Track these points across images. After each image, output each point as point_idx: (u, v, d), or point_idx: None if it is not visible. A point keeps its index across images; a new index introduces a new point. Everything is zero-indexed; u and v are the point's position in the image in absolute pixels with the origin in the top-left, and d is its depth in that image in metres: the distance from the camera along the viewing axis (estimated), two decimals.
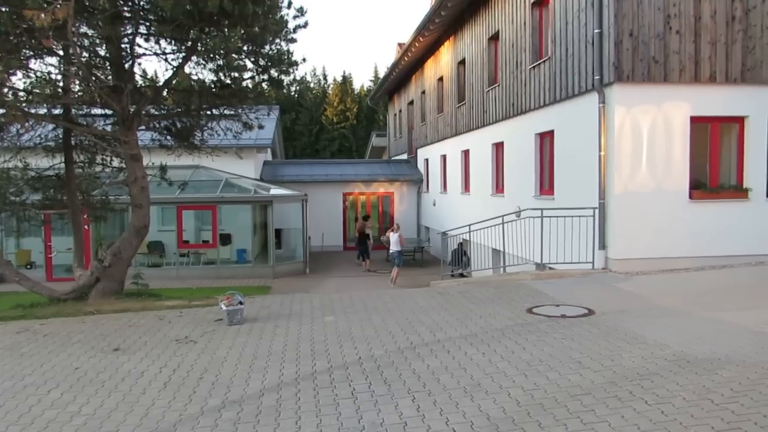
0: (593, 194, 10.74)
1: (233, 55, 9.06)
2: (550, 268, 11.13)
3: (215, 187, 20.38)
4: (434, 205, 24.10)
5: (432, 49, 22.67)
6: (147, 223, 10.59)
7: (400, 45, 28.48)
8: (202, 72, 10.00)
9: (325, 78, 71.95)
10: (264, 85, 10.85)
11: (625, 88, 10.21)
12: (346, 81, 70.49)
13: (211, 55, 9.41)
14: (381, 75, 47.36)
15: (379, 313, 8.19)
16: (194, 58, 9.76)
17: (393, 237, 17.65)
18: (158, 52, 9.91)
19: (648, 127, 10.31)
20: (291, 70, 9.98)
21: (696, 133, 10.58)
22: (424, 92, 25.00)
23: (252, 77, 10.32)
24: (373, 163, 30.49)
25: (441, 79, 22.05)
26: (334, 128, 64.95)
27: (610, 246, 10.48)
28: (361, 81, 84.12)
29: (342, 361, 5.96)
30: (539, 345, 6.19)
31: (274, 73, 10.06)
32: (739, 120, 10.70)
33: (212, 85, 10.53)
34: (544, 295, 8.89)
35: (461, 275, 18.13)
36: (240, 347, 6.67)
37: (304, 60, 9.95)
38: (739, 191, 10.67)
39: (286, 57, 9.70)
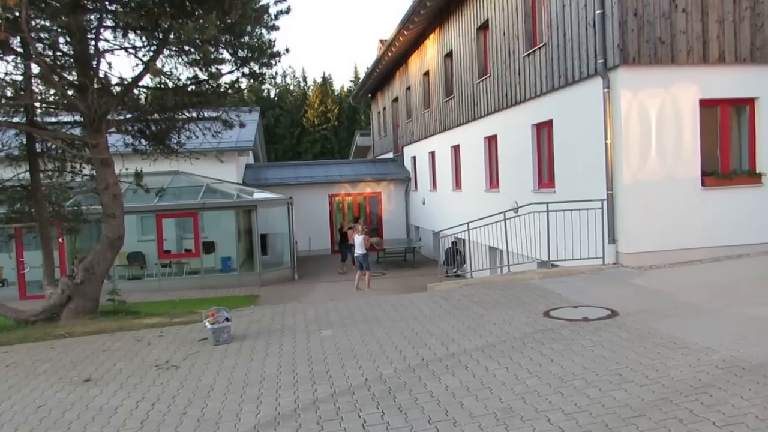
0: (600, 185, 10.10)
1: (209, 45, 8.25)
2: (554, 266, 10.47)
3: (196, 193, 19.50)
4: (423, 203, 23.41)
5: (416, 43, 21.98)
6: (121, 234, 9.75)
7: (381, 42, 27.74)
8: (176, 67, 9.18)
9: (304, 80, 71.16)
10: (244, 80, 10.06)
11: (631, 71, 9.58)
12: (326, 82, 69.75)
13: (186, 48, 8.60)
14: (361, 75, 46.62)
15: (381, 324, 7.44)
16: (166, 51, 8.95)
17: (357, 239, 16.81)
18: (127, 46, 9.07)
19: (656, 111, 9.69)
20: (273, 62, 9.19)
21: (705, 116, 9.99)
22: (409, 88, 24.30)
23: (231, 71, 9.51)
24: (358, 163, 29.73)
25: (427, 73, 21.36)
26: (316, 130, 64.24)
27: (621, 239, 9.84)
28: (341, 82, 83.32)
29: (347, 385, 5.21)
30: (568, 355, 5.49)
31: (254, 66, 9.27)
32: (750, 101, 10.13)
33: (188, 82, 9.72)
34: (557, 295, 8.21)
35: (457, 275, 17.49)
36: (228, 371, 5.89)
37: (287, 51, 9.17)
38: (753, 176, 10.10)
39: (267, 47, 8.91)
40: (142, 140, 11.34)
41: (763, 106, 10.03)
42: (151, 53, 8.88)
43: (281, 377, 5.57)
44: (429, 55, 20.82)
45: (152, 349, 7.11)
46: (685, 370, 4.86)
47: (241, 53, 9.05)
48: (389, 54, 23.49)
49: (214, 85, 9.97)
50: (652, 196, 9.70)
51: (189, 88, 10.17)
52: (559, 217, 10.15)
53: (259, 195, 20.57)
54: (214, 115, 11.03)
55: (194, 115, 10.34)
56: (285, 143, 64.02)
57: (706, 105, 9.91)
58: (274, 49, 8.98)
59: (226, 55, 9.09)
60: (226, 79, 10.13)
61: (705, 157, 9.95)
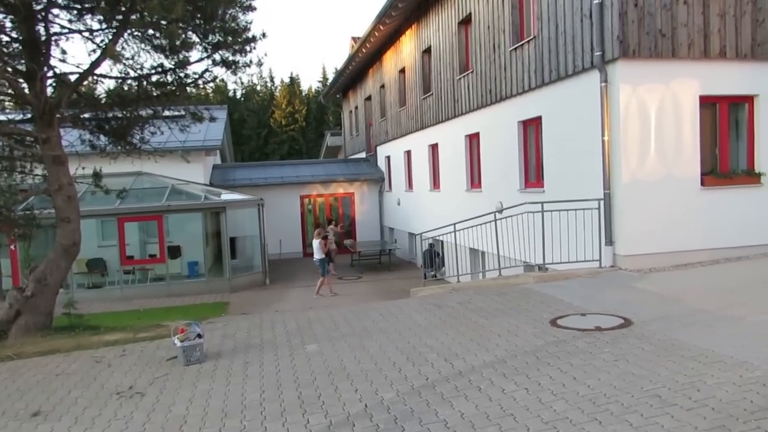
0: (594, 184, 9.57)
1: (177, 28, 7.40)
2: (545, 269, 9.90)
3: (161, 195, 18.44)
4: (399, 204, 22.76)
5: (392, 40, 21.32)
6: (77, 241, 8.81)
7: (354, 39, 26.98)
8: (139, 54, 8.29)
9: (272, 80, 70.01)
10: (216, 69, 9.19)
11: (631, 64, 9.08)
12: (293, 82, 68.72)
13: (150, 31, 7.75)
14: (330, 75, 45.78)
15: (372, 337, 6.73)
16: (127, 35, 8.06)
17: (315, 243, 16.12)
18: (82, 29, 8.15)
19: (656, 107, 9.20)
20: (248, 48, 8.38)
21: (705, 113, 9.55)
22: (383, 86, 23.62)
23: (201, 59, 8.66)
24: (330, 163, 28.92)
25: (403, 70, 20.71)
26: (283, 131, 63.23)
27: (619, 241, 9.32)
28: (309, 82, 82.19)
29: (344, 414, 4.48)
30: (591, 372, 4.87)
31: (227, 53, 8.43)
32: (749, 99, 9.74)
33: (152, 71, 8.85)
34: (559, 301, 7.61)
35: (435, 278, 16.88)
36: (203, 398, 5.10)
37: (264, 35, 8.35)
38: (752, 176, 9.72)
39: (243, 30, 8.10)
40: (101, 136, 10.38)
41: (762, 104, 9.65)
42: (110, 36, 7.97)
43: (266, 405, 4.81)
44: (406, 51, 20.18)
45: (113, 372, 6.26)
46: (730, 389, 4.27)
47: (212, 37, 8.22)
48: (363, 51, 22.77)
49: (182, 75, 9.10)
50: (652, 196, 9.22)
51: (153, 78, 9.30)
52: (552, 218, 9.58)
53: (227, 196, 19.63)
54: (181, 110, 10.17)
55: (159, 108, 9.43)
56: (252, 144, 62.87)
57: (705, 102, 9.48)
58: (250, 33, 8.19)
59: (195, 39, 8.23)
60: (195, 68, 9.29)
61: (704, 155, 9.52)
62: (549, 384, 4.69)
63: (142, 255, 19.39)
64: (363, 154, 28.30)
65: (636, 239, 9.20)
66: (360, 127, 29.14)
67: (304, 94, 67.31)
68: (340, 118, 37.53)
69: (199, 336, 6.36)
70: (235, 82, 73.55)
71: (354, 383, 5.16)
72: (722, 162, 9.77)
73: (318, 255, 15.87)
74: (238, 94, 68.37)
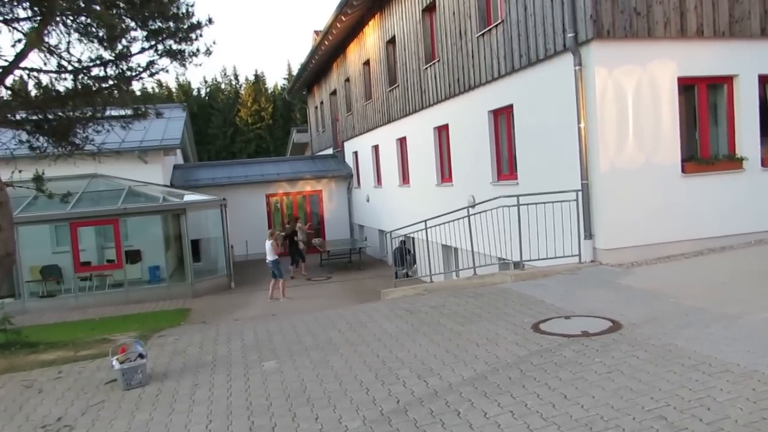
0: (572, 175, 9.06)
1: (108, 10, 6.61)
2: (522, 267, 9.36)
3: (117, 198, 17.45)
4: (368, 200, 22.10)
5: (355, 31, 20.61)
6: (10, 251, 7.96)
7: (316, 33, 26.19)
8: (71, 44, 7.46)
9: (236, 78, 68.85)
10: (162, 61, 8.41)
11: (605, 45, 8.56)
12: (258, 80, 67.64)
13: (82, 18, 6.94)
14: (295, 72, 44.71)
15: (338, 350, 6.07)
16: (59, 24, 7.24)
17: (267, 245, 15.45)
18: (9, 17, 7.29)
19: (633, 91, 8.72)
20: (194, 36, 7.62)
21: (683, 96, 9.11)
22: (348, 80, 22.91)
23: (143, 49, 7.87)
24: (296, 160, 28.06)
25: (367, 62, 20.03)
26: (250, 129, 62.22)
27: (598, 234, 8.83)
28: (275, 79, 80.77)
29: None
30: (584, 388, 4.29)
31: (170, 41, 7.66)
32: (728, 80, 9.32)
33: (90, 63, 8.03)
34: (540, 302, 7.06)
35: (407, 275, 16.28)
36: (140, 431, 4.40)
37: (210, 21, 7.60)
38: (733, 161, 9.31)
39: (185, 16, 7.34)
40: (39, 136, 9.50)
41: (742, 84, 9.24)
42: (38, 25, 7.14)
43: None
44: (369, 42, 19.50)
45: (43, 399, 5.49)
46: (745, 407, 3.73)
47: (152, 24, 7.43)
48: (325, 43, 22.00)
49: (124, 68, 8.29)
50: (631, 185, 8.74)
51: (93, 72, 8.48)
52: (528, 212, 9.04)
53: (188, 197, 18.72)
54: (125, 107, 9.34)
55: (100, 105, 8.60)
56: (218, 143, 61.71)
57: (684, 83, 9.03)
58: (194, 19, 7.43)
59: (132, 25, 7.43)
60: (140, 61, 8.49)
61: (684, 141, 9.08)
62: (537, 405, 4.09)
63: (100, 260, 18.40)
64: (330, 151, 27.56)
65: (616, 232, 8.72)
66: (326, 122, 28.37)
67: (270, 91, 66.30)
68: (306, 114, 36.68)
69: (141, 356, 5.62)
70: (201, 82, 72.07)
71: (315, 409, 4.50)
72: (702, 147, 9.35)
73: (270, 256, 15.15)
74: (203, 93, 66.97)
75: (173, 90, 64.27)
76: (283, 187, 24.29)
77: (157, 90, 59.36)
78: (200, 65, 8.31)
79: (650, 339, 5.23)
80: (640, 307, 6.33)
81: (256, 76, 68.37)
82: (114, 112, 9.69)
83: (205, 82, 68.36)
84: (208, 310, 14.29)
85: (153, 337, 7.84)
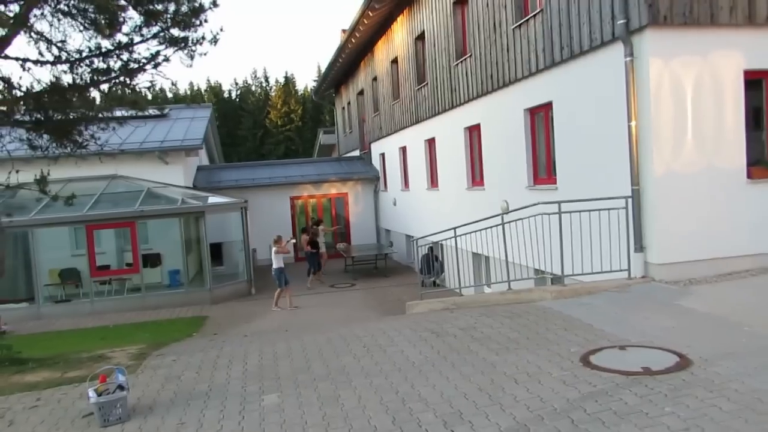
0: (620, 179, 8.06)
1: None
2: (563, 281, 8.39)
3: (135, 199, 16.89)
4: (395, 204, 21.24)
5: (383, 28, 19.79)
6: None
7: (344, 31, 25.45)
8: (63, 30, 6.77)
9: (266, 80, 69.02)
10: (168, 51, 7.68)
11: (662, 33, 7.55)
12: (288, 82, 67.65)
13: (73, 2, 6.24)
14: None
15: (351, 382, 5.21)
16: (51, 8, 6.55)
17: (272, 251, 14.74)
18: None
19: (692, 85, 7.69)
20: (198, 21, 6.87)
21: (750, 92, 8.03)
22: (375, 78, 22.10)
23: (145, 38, 7.14)
24: (322, 162, 27.34)
25: (395, 60, 19.18)
26: (279, 131, 62.16)
27: (651, 246, 7.80)
28: (305, 82, 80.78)
29: None
30: None
31: (174, 29, 6.93)
32: None
33: (88, 53, 7.34)
34: (586, 326, 6.10)
35: (434, 284, 15.39)
36: None
37: (215, 4, 6.84)
38: None
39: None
40: (42, 134, 8.88)
41: None
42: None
43: None
44: (397, 39, 18.65)
45: None
46: None
47: (148, 4, 6.70)
48: (352, 41, 21.22)
49: (126, 59, 7.59)
50: (689, 192, 7.70)
51: (94, 65, 7.80)
52: (571, 220, 8.07)
53: (210, 200, 18.12)
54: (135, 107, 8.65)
55: (101, 101, 7.93)
56: (248, 145, 61.79)
57: (751, 77, 7.95)
58: (197, 2, 6.67)
59: (134, 16, 6.72)
60: (142, 51, 7.76)
61: (750, 142, 8.00)
62: None
63: (120, 264, 17.88)
64: (357, 152, 26.78)
65: (671, 244, 7.69)
66: (353, 123, 27.61)
67: (299, 93, 66.21)
68: (334, 115, 36.00)
69: (121, 388, 4.84)
70: (232, 84, 72.56)
71: None
72: None
73: (276, 264, 14.46)
74: (233, 95, 67.16)
75: (203, 91, 64.62)
76: (308, 189, 23.57)
77: (165, 86, 59.41)
78: (205, 54, 7.56)
79: (731, 382, 4.25)
80: (709, 337, 5.34)
81: (286, 78, 68.45)
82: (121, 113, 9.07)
83: (236, 84, 68.71)
84: (225, 318, 13.58)
85: (151, 355, 7.10)
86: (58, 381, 6.26)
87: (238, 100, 66.29)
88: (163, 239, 18.23)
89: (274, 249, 14.70)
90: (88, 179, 18.20)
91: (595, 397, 4.25)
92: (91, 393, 4.80)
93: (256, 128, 62.41)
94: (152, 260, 17.94)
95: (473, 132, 13.66)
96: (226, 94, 66.56)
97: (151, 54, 7.65)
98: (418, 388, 4.82)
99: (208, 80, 73.86)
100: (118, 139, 19.91)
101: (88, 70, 7.71)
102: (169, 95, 55.70)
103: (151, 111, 23.56)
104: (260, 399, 5.00)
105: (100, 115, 8.70)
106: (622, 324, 6.04)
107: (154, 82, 8.00)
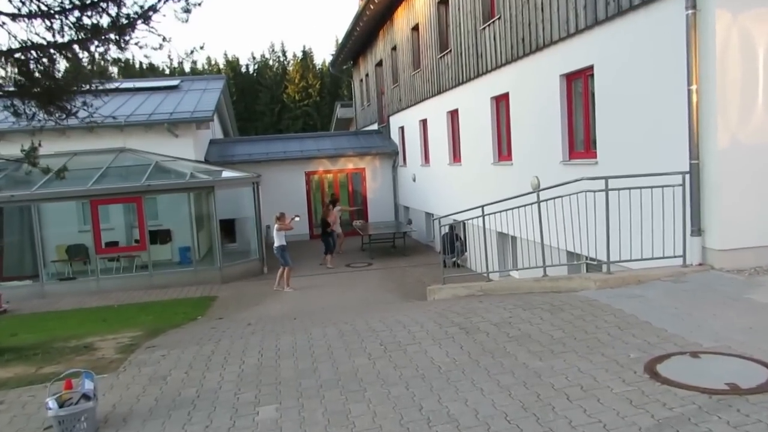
0: (675, 152, 7.04)
1: None
2: (608, 269, 7.40)
3: (142, 174, 16.11)
4: (414, 180, 20.26)
5: None
6: None
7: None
8: None
9: (284, 54, 67.90)
10: (165, 7, 6.77)
11: None
12: (306, 56, 66.62)
13: None
14: None
15: (364, 391, 4.34)
16: None
17: (274, 230, 14.19)
18: None
19: (765, 42, 6.58)
20: None
21: None
22: (395, 48, 20.98)
23: None
24: (338, 136, 26.32)
25: (416, 27, 18.04)
26: (297, 106, 61.31)
27: (711, 230, 6.78)
28: (323, 56, 79.36)
29: None
30: None
31: None
32: None
33: (71, 3, 6.46)
34: (644, 324, 5.14)
35: (456, 264, 14.49)
36: None
37: None
38: None
39: None
40: (30, 102, 8.06)
41: None
42: None
43: None
44: (418, 4, 17.49)
45: None
46: None
47: None
48: (370, 8, 20.07)
49: (113, 13, 6.69)
50: (758, 168, 6.65)
51: (82, 21, 6.91)
52: (619, 198, 7.08)
53: (223, 174, 17.31)
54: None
55: (86, 60, 7.07)
56: (265, 120, 61.01)
57: None
58: None
59: None
60: (132, 6, 6.86)
61: None
62: None
63: (128, 241, 17.22)
64: (375, 126, 25.75)
65: (735, 227, 6.66)
66: (371, 96, 26.53)
67: (318, 68, 65.19)
68: (352, 89, 34.88)
69: (87, 398, 4.02)
70: (249, 58, 71.45)
71: None
72: None
73: (278, 242, 13.89)
74: (251, 69, 66.17)
75: (221, 66, 63.70)
76: (324, 164, 22.66)
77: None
78: (199, 4, 6.65)
79: None
80: None
81: (304, 52, 67.43)
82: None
83: (253, 58, 67.69)
84: (233, 299, 12.83)
85: (141, 347, 6.32)
86: (30, 378, 5.49)
87: (255, 74, 65.33)
88: (173, 215, 17.51)
89: (276, 226, 14.00)
90: (95, 152, 17.50)
91: (675, 425, 3.32)
92: (51, 403, 3.98)
93: (273, 103, 61.54)
94: (162, 237, 17.27)
95: (500, 102, 12.60)
96: (243, 69, 65.60)
97: (141, 7, 6.73)
98: (447, 404, 3.94)
99: (225, 54, 72.98)
100: (126, 111, 19.20)
101: (70, 25, 6.82)
102: (187, 70, 54.92)
103: (161, 83, 22.74)
104: (254, 411, 4.16)
105: (94, 86, 7.89)
106: (687, 323, 5.08)
107: (143, 44, 7.13)
